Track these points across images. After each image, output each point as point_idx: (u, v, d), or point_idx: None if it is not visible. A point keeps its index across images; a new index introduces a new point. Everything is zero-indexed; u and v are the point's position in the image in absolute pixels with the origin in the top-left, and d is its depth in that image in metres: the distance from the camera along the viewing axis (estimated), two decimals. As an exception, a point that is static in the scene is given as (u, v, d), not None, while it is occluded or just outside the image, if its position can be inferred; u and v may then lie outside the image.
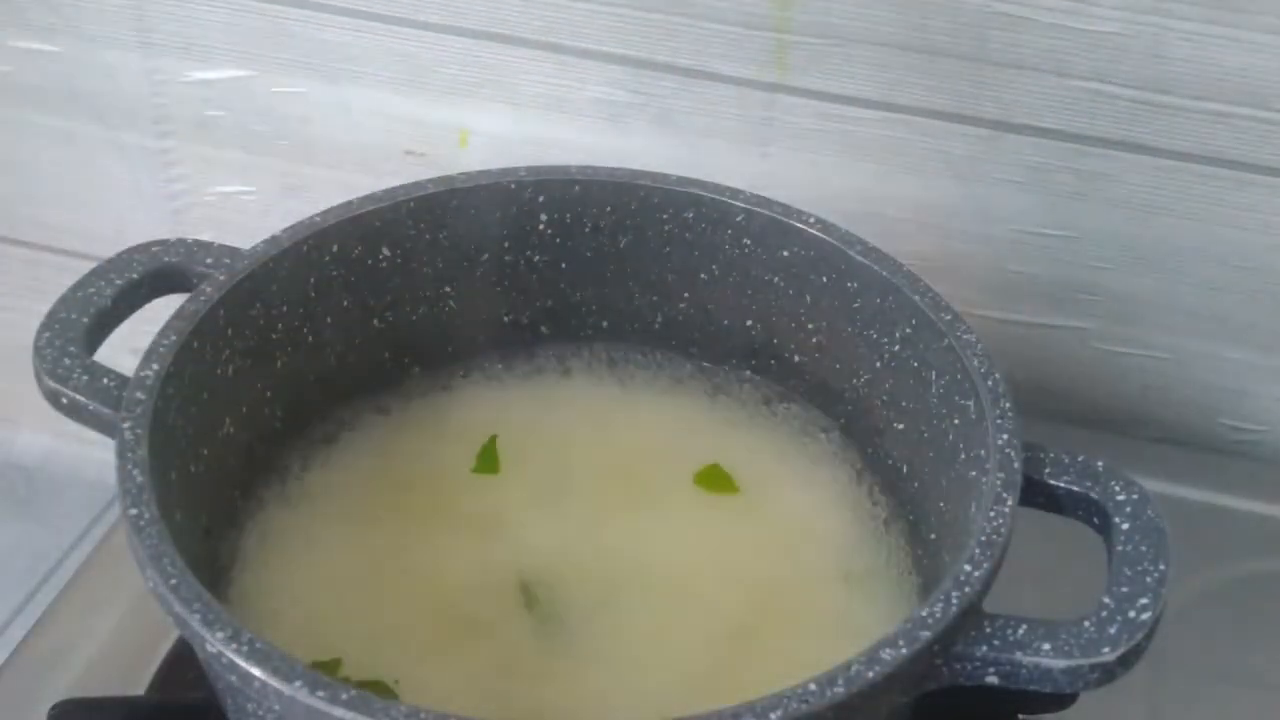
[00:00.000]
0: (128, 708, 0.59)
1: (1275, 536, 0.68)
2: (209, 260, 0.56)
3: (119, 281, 0.55)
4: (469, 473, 0.59)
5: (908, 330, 0.55)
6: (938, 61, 0.67)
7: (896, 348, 0.55)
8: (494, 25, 0.71)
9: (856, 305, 0.57)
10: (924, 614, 0.43)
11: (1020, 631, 0.44)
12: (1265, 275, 0.70)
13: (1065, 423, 0.74)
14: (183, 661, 0.59)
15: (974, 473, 0.50)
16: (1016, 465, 0.48)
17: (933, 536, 0.53)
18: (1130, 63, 0.65)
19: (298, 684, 0.40)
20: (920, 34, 0.66)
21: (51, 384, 0.52)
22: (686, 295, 0.61)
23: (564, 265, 0.61)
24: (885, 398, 0.56)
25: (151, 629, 0.60)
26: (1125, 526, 0.48)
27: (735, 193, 0.59)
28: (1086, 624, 0.45)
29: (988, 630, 0.44)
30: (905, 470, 0.56)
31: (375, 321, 0.59)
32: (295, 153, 0.78)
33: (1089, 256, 0.71)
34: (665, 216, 0.59)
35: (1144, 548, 0.47)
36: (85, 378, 0.52)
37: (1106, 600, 0.45)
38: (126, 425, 0.48)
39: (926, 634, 0.43)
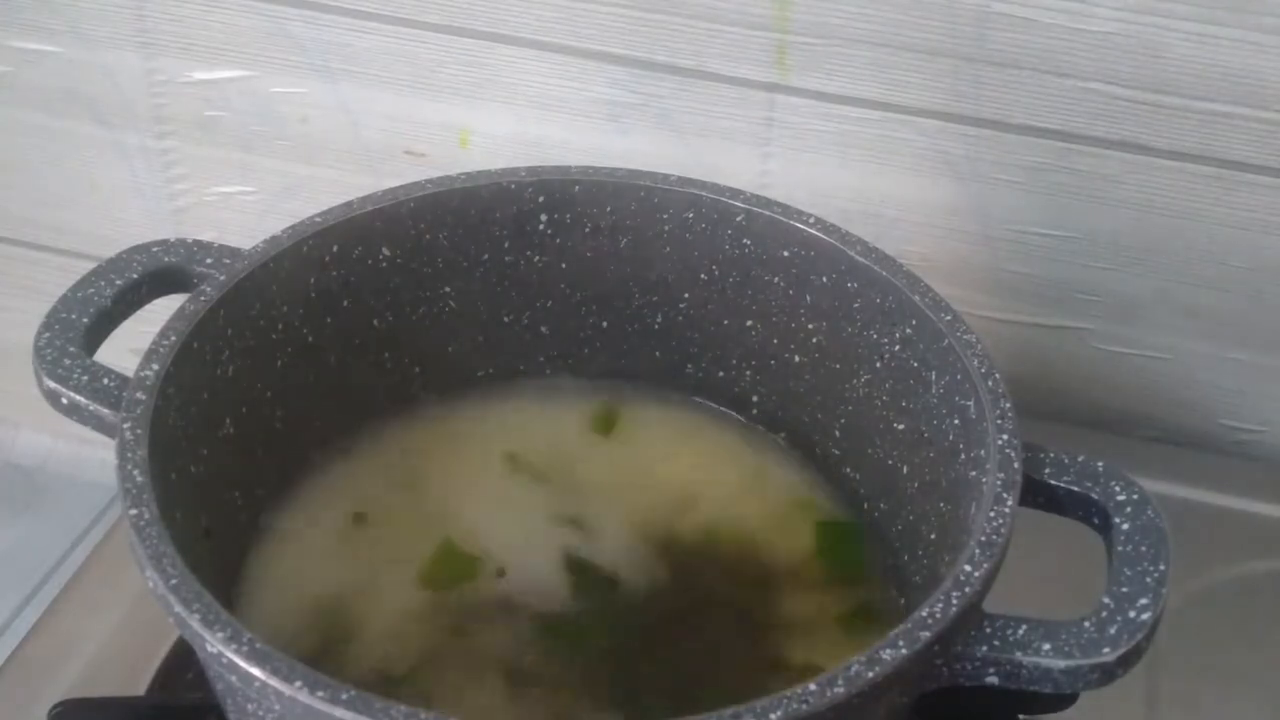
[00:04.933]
0: (128, 708, 0.58)
1: (1275, 536, 0.68)
2: (209, 260, 0.56)
3: (119, 281, 0.55)
4: (468, 474, 0.60)
5: (908, 330, 0.55)
6: (938, 61, 0.67)
7: (896, 348, 0.55)
8: (494, 25, 0.71)
9: (856, 305, 0.57)
10: (924, 614, 0.43)
11: (1020, 631, 0.44)
12: (1265, 275, 0.70)
13: (1065, 423, 0.75)
14: (183, 661, 0.59)
15: (974, 473, 0.50)
16: (1016, 465, 0.48)
17: (933, 536, 0.53)
18: (1130, 63, 0.65)
19: (298, 684, 0.40)
20: (920, 34, 0.66)
21: (51, 384, 0.52)
22: (686, 295, 0.61)
23: (564, 265, 0.61)
24: (885, 398, 0.56)
25: (151, 629, 0.60)
26: (1125, 526, 0.48)
27: (735, 193, 0.59)
28: (1086, 624, 0.45)
29: (988, 630, 0.44)
30: (905, 470, 0.56)
31: (375, 322, 0.59)
32: (295, 153, 0.78)
33: (1089, 256, 0.71)
34: (665, 217, 0.59)
35: (1144, 548, 0.47)
36: (85, 378, 0.52)
37: (1106, 600, 0.45)
38: (126, 425, 0.48)
39: (926, 634, 0.43)
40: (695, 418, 0.62)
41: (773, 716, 0.40)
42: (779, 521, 0.58)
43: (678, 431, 0.62)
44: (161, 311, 0.53)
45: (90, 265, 0.56)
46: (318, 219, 0.57)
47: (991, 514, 0.46)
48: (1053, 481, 0.50)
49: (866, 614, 0.55)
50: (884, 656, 0.42)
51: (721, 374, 0.62)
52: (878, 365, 0.56)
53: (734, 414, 0.62)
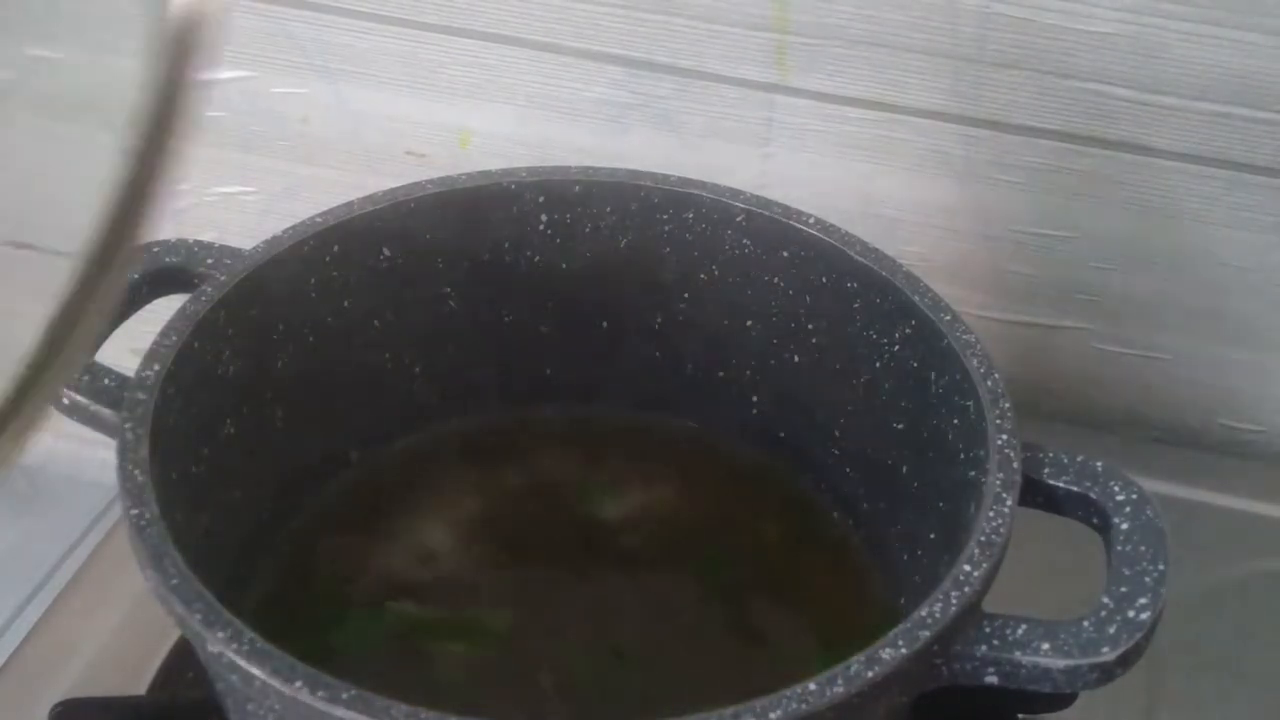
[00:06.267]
0: (128, 708, 0.59)
1: (1275, 536, 0.68)
2: (210, 260, 0.56)
3: (119, 281, 0.55)
4: (469, 474, 0.60)
5: (908, 330, 0.55)
6: (937, 61, 0.67)
7: (896, 348, 0.55)
8: (494, 26, 0.71)
9: (856, 305, 0.57)
10: (924, 614, 0.43)
11: (1020, 631, 0.45)
12: (1265, 275, 0.70)
13: (1065, 423, 0.74)
14: (183, 661, 0.59)
15: (974, 473, 0.50)
16: (1016, 465, 0.48)
17: (932, 536, 0.53)
18: (1130, 63, 0.65)
19: (298, 684, 0.40)
20: (920, 34, 0.66)
21: (52, 384, 0.52)
22: (686, 295, 0.61)
23: (564, 265, 0.61)
24: (885, 398, 0.57)
25: (151, 629, 0.60)
26: (1124, 526, 0.48)
27: (735, 193, 0.59)
28: (1086, 624, 0.45)
29: (987, 630, 0.45)
30: (905, 470, 0.56)
31: (375, 322, 0.59)
32: (295, 153, 0.78)
33: (1089, 256, 0.71)
34: (665, 217, 0.59)
35: (1143, 548, 0.47)
36: (86, 378, 0.52)
37: (1106, 600, 0.45)
38: (127, 425, 0.48)
39: (926, 634, 0.43)
40: (687, 431, 0.63)
41: (772, 716, 0.40)
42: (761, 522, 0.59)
43: (668, 444, 0.62)
44: (162, 311, 0.53)
45: (91, 265, 0.56)
46: (318, 219, 0.57)
47: (991, 514, 0.46)
48: (1052, 481, 0.50)
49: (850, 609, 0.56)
50: (884, 656, 0.42)
51: (721, 374, 0.62)
52: (877, 365, 0.57)
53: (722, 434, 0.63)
